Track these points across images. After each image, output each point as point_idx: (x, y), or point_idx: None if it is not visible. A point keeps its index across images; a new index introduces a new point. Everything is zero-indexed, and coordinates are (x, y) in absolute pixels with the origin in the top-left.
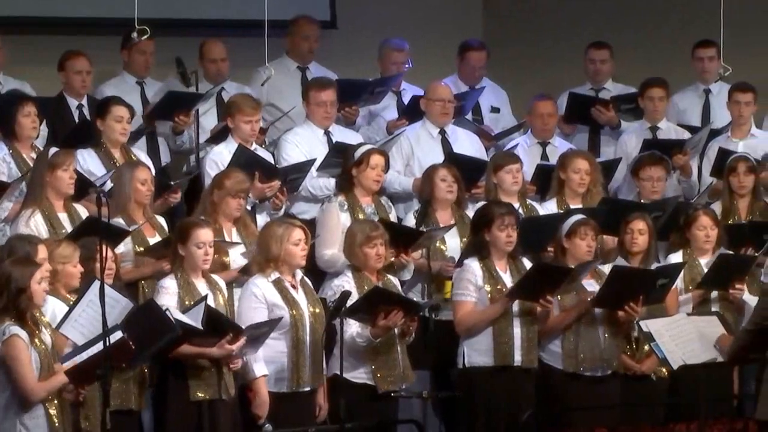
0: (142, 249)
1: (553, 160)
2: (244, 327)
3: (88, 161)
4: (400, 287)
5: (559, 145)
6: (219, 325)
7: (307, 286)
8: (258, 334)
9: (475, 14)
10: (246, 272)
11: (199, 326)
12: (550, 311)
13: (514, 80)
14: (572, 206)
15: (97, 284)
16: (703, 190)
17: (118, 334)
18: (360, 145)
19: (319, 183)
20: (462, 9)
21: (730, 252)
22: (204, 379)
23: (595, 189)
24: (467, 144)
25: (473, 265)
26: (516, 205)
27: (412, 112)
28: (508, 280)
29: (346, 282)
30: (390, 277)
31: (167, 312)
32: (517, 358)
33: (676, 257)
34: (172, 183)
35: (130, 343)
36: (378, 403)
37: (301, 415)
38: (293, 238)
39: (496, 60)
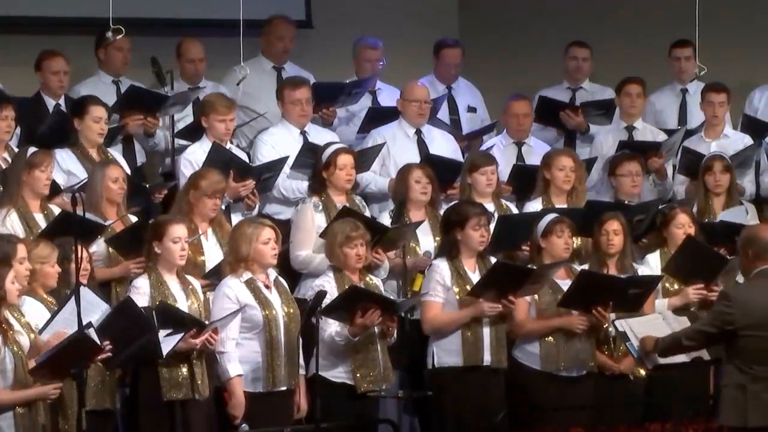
0: (113, 251)
1: (529, 159)
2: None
3: (67, 161)
4: (382, 288)
5: (534, 145)
6: (179, 321)
7: (282, 286)
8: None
9: (451, 14)
10: (218, 276)
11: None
12: (512, 311)
13: (489, 79)
14: (557, 205)
15: (81, 291)
16: (674, 188)
17: (92, 333)
18: (327, 145)
19: (291, 185)
20: (438, 9)
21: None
22: (176, 379)
23: (581, 186)
24: (443, 144)
25: (442, 265)
26: (490, 205)
27: (375, 121)
28: (476, 279)
29: (326, 282)
30: (372, 277)
31: (144, 311)
32: (487, 358)
33: (654, 257)
34: (148, 185)
35: (103, 343)
36: (356, 402)
37: (277, 415)
38: (262, 237)
39: (472, 59)
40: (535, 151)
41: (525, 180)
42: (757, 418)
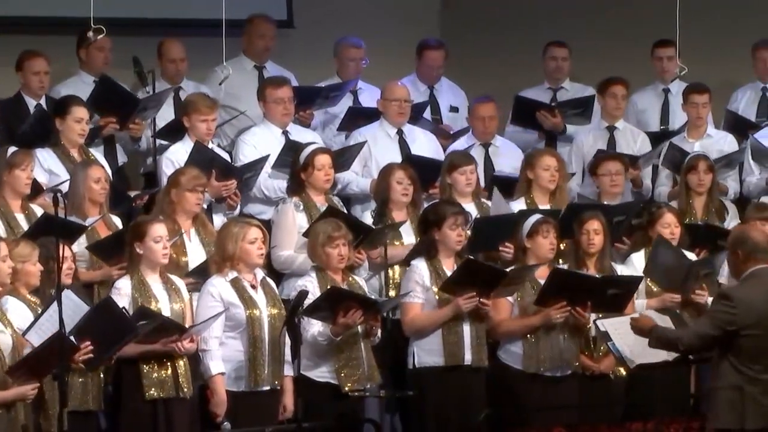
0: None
1: (496, 160)
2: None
3: (49, 161)
4: (366, 287)
5: (501, 146)
6: (159, 326)
7: (268, 286)
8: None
9: (433, 13)
10: (202, 274)
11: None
12: (489, 311)
13: (471, 79)
14: (540, 205)
15: (64, 293)
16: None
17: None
18: (306, 146)
19: (272, 184)
20: (420, 8)
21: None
22: (158, 378)
23: (564, 186)
24: (425, 144)
25: (420, 265)
26: (470, 205)
27: (354, 121)
28: None
29: (309, 282)
30: (355, 277)
31: (125, 311)
32: (468, 358)
33: (638, 257)
34: (131, 193)
35: (83, 344)
36: (340, 402)
37: (260, 414)
38: (249, 236)
39: (454, 59)
40: (502, 152)
41: (503, 188)
42: (755, 421)
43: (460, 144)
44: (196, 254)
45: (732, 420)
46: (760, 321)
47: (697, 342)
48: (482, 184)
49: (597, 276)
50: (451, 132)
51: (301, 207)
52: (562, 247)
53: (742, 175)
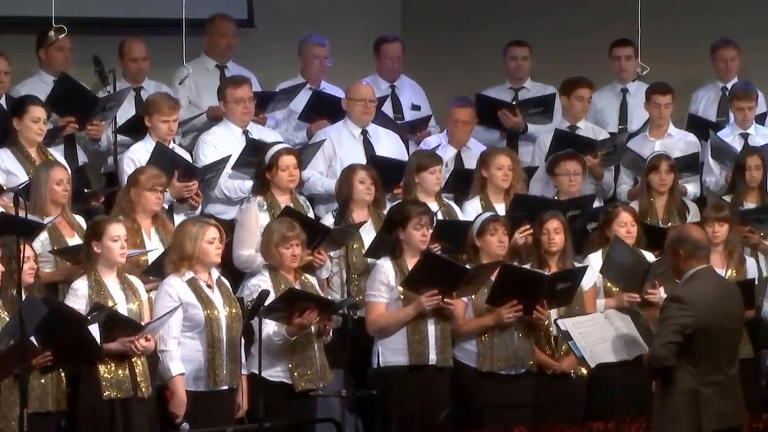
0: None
1: (467, 162)
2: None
3: (6, 161)
4: (317, 286)
5: (473, 147)
6: (116, 323)
7: (224, 286)
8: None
9: (394, 13)
10: (158, 271)
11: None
12: (453, 311)
13: (433, 78)
14: (495, 204)
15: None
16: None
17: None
18: (271, 146)
19: (233, 185)
20: (381, 8)
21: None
22: (116, 378)
23: (519, 185)
24: (388, 143)
25: (386, 265)
26: (434, 204)
27: (317, 110)
28: None
29: (262, 281)
30: (308, 276)
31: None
32: (432, 357)
33: (595, 257)
34: (87, 191)
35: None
36: (295, 401)
37: (219, 414)
38: (207, 236)
39: (415, 58)
40: (474, 153)
41: (466, 183)
42: (709, 424)
43: (434, 140)
44: (155, 254)
45: (689, 424)
46: (711, 320)
47: (664, 353)
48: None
49: (545, 273)
50: (429, 135)
51: (265, 207)
52: (520, 242)
53: (703, 175)
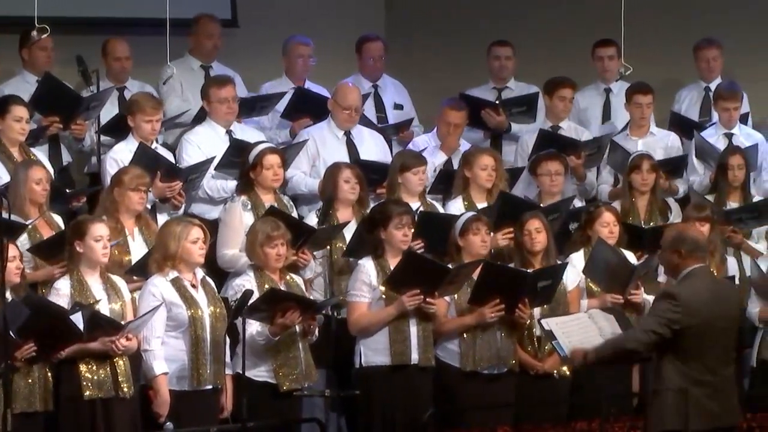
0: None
1: (456, 161)
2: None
3: None
4: (303, 286)
5: (461, 148)
6: (97, 323)
7: (208, 286)
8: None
9: (377, 12)
10: (142, 270)
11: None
12: (435, 311)
13: (416, 79)
14: (478, 204)
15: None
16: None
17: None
18: (255, 145)
19: (216, 185)
20: (364, 8)
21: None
22: (97, 378)
23: (501, 185)
24: (372, 145)
25: (368, 264)
26: (417, 204)
27: (300, 108)
28: None
29: (247, 281)
30: (293, 276)
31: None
32: (414, 357)
33: (578, 257)
34: (69, 191)
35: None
36: (279, 401)
37: (203, 414)
38: (191, 236)
39: (398, 59)
40: (461, 151)
41: (452, 182)
42: (697, 423)
43: (422, 141)
44: (139, 254)
45: (676, 422)
46: (703, 320)
47: (644, 339)
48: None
49: (527, 270)
50: (413, 137)
51: (249, 206)
52: (502, 245)
53: (686, 174)
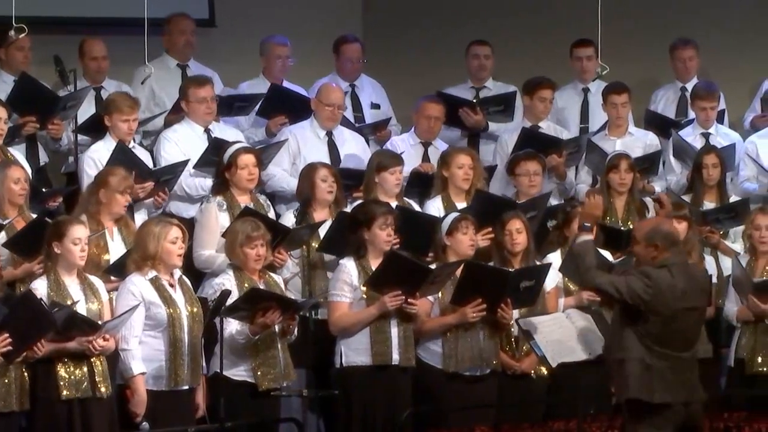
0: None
1: (434, 160)
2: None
3: None
4: (283, 285)
5: (440, 147)
6: (74, 323)
7: (186, 285)
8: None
9: (355, 12)
10: (120, 271)
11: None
12: (416, 312)
13: (394, 79)
14: (456, 203)
15: None
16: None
17: None
18: (230, 145)
19: (194, 182)
20: (342, 7)
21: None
22: (74, 378)
23: (479, 184)
24: (353, 145)
25: (349, 264)
26: (394, 204)
27: (275, 105)
28: None
29: (227, 281)
30: (272, 275)
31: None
32: (395, 357)
33: (555, 256)
34: (45, 190)
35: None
36: (258, 400)
37: (179, 414)
38: (170, 236)
39: (376, 58)
40: (440, 151)
41: (426, 184)
42: (662, 395)
43: (400, 141)
44: (118, 253)
45: (641, 391)
46: (670, 311)
47: (605, 283)
48: None
49: (508, 269)
50: (390, 137)
51: (225, 206)
52: (482, 245)
53: (663, 173)
